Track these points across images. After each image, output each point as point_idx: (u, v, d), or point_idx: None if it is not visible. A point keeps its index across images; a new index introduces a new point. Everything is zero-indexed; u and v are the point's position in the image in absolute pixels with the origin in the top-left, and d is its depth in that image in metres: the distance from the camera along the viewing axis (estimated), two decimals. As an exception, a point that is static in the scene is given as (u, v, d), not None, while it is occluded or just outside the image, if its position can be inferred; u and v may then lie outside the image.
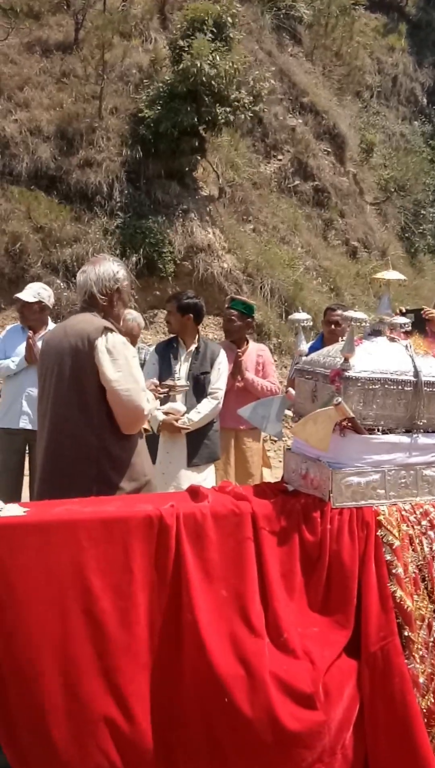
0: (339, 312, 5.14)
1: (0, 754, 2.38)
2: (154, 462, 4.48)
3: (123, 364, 3.01)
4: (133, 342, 5.36)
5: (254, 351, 5.23)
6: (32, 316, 5.08)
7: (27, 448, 5.07)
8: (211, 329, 10.42)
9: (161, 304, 10.88)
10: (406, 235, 18.52)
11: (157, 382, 3.85)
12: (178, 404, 4.52)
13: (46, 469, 3.12)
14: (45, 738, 2.35)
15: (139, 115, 11.71)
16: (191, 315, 4.70)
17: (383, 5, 22.58)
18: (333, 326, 5.09)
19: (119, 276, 3.18)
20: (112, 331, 3.05)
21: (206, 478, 4.57)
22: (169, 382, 4.28)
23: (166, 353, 4.74)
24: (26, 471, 5.16)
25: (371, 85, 20.51)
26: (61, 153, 11.67)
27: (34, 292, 5.06)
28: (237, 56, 11.79)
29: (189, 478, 4.43)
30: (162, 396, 3.92)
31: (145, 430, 3.37)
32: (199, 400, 4.55)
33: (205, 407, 4.53)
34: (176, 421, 4.45)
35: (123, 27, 13.34)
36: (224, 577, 2.60)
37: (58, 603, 2.43)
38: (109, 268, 3.16)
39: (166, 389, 3.98)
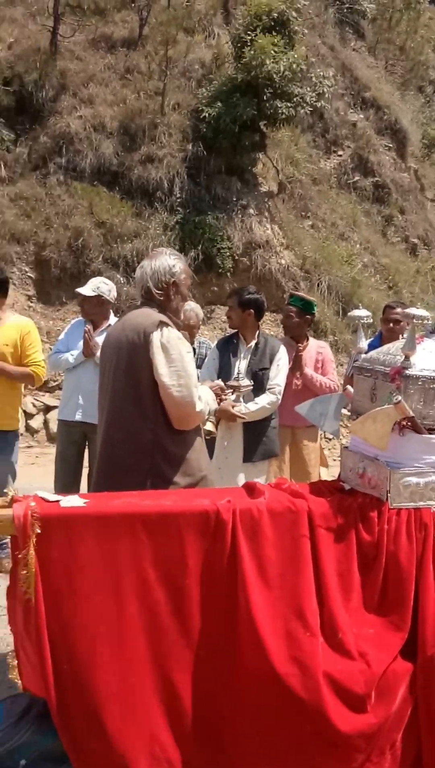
0: (399, 310, 5.06)
1: (56, 741, 2.42)
2: (211, 457, 4.47)
3: (176, 359, 3.00)
4: (192, 334, 5.36)
5: (314, 348, 5.18)
6: (92, 309, 5.12)
7: (86, 440, 5.13)
8: (267, 326, 10.38)
9: (219, 300, 10.92)
10: (468, 232, 18.12)
11: (223, 384, 3.79)
12: (245, 379, 4.44)
13: (103, 462, 3.14)
14: (99, 726, 2.38)
15: (201, 110, 11.73)
16: (252, 310, 4.67)
17: (449, -2, 22.09)
18: (392, 324, 5.01)
19: (175, 270, 3.16)
20: (167, 325, 3.05)
21: (262, 474, 4.55)
22: (233, 382, 4.25)
23: (226, 349, 4.72)
24: (85, 463, 5.22)
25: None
26: (124, 149, 11.78)
27: (93, 286, 5.10)
28: (299, 51, 11.71)
29: (245, 473, 4.41)
30: (226, 397, 3.93)
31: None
32: (257, 396, 4.53)
33: (263, 400, 4.51)
34: (232, 407, 4.39)
35: (187, 23, 13.38)
36: (279, 574, 2.59)
37: (115, 593, 2.46)
38: (165, 262, 3.16)
39: (231, 390, 3.94)
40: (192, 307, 5.41)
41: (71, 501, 2.58)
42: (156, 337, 3.00)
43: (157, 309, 3.13)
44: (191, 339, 5.25)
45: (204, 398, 3.17)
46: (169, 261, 3.17)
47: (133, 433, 3.03)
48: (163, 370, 2.98)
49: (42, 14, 13.07)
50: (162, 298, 3.15)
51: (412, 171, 16.70)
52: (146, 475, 3.00)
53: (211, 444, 4.47)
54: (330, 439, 9.09)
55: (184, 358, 3.03)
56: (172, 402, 2.99)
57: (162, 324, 3.03)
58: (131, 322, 3.12)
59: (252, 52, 11.06)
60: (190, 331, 5.24)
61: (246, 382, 4.35)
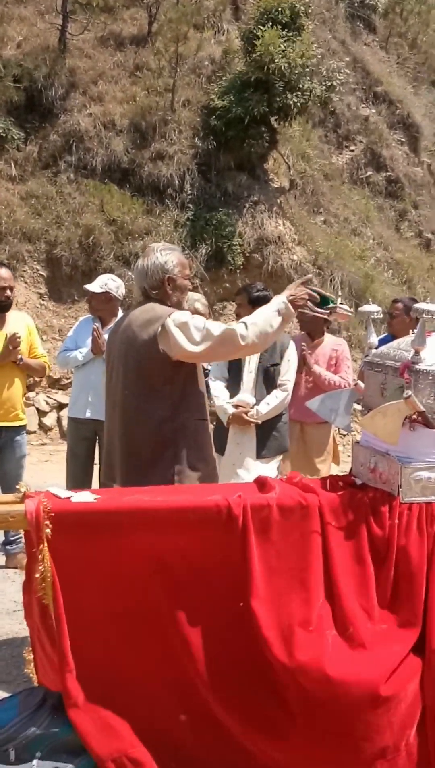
0: (399, 304, 5.08)
1: (71, 734, 2.45)
2: (223, 453, 4.52)
3: (195, 328, 3.02)
4: None
5: (330, 345, 5.19)
6: (100, 306, 5.17)
7: (96, 437, 5.17)
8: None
9: (230, 297, 10.92)
10: None
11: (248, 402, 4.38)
12: (248, 396, 4.54)
13: (126, 458, 3.16)
14: (113, 717, 2.42)
15: (211, 105, 11.74)
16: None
17: (461, -10, 21.97)
18: (390, 317, 5.04)
19: (168, 265, 3.17)
20: (173, 311, 3.09)
21: (274, 469, 4.57)
22: (239, 402, 4.49)
23: None
24: (96, 459, 5.26)
25: (448, 74, 20.01)
26: (134, 146, 11.81)
27: (101, 282, 5.14)
28: (308, 45, 11.69)
29: (257, 469, 4.45)
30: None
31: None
32: (268, 392, 4.56)
33: (274, 399, 4.54)
34: (246, 413, 4.47)
35: (196, 19, 13.37)
36: (289, 568, 2.61)
37: (127, 589, 2.49)
38: (156, 260, 3.17)
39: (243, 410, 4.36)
40: (196, 298, 5.42)
41: (83, 497, 2.61)
42: (170, 324, 3.02)
43: (159, 304, 3.17)
44: None
45: (251, 320, 3.10)
46: (160, 258, 3.18)
47: (153, 425, 3.07)
48: (190, 348, 3.01)
49: (51, 12, 13.10)
50: (159, 296, 3.18)
51: (425, 165, 16.62)
52: (171, 463, 3.06)
53: (223, 440, 4.52)
54: (344, 435, 9.09)
55: (202, 323, 3.05)
56: (218, 357, 3.25)
57: (168, 312, 3.07)
58: (137, 318, 3.15)
59: (261, 48, 11.05)
60: None
61: (248, 398, 4.59)
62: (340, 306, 3.64)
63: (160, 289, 3.17)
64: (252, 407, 4.50)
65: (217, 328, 3.06)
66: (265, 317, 3.10)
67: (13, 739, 2.50)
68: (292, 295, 3.17)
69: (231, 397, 4.58)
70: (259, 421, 4.51)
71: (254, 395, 4.55)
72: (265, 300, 4.69)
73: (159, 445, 3.08)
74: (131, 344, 3.11)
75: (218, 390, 4.62)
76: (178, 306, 3.22)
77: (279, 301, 3.15)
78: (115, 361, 3.22)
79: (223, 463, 4.49)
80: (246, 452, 4.56)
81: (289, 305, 3.14)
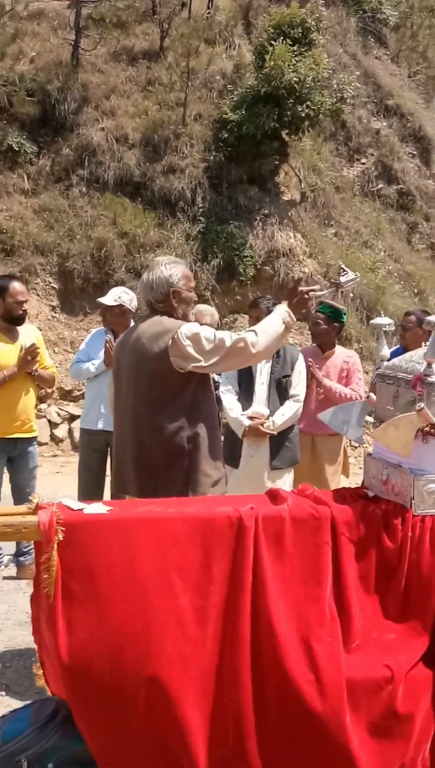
0: (412, 317, 5.08)
1: (83, 745, 2.45)
2: (237, 466, 4.53)
3: (208, 337, 3.05)
4: None
5: (341, 357, 5.19)
6: (113, 319, 5.20)
7: (108, 448, 5.19)
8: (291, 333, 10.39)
9: (241, 309, 10.96)
10: None
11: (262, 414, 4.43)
12: (262, 407, 4.55)
13: (142, 469, 3.17)
14: (120, 728, 2.41)
15: (224, 118, 11.82)
16: None
17: (472, 4, 22.08)
18: (402, 330, 5.05)
19: (172, 279, 3.19)
20: (181, 324, 3.11)
21: (287, 481, 4.58)
22: (254, 414, 4.53)
23: None
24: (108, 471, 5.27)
25: (459, 87, 20.07)
26: (146, 160, 11.90)
27: (115, 295, 5.18)
28: (318, 56, 11.76)
29: (271, 480, 4.45)
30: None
31: None
32: (281, 403, 4.57)
33: (289, 410, 4.56)
34: (262, 425, 4.48)
35: (207, 34, 13.49)
36: (301, 580, 2.60)
37: (140, 600, 2.49)
38: (161, 273, 3.19)
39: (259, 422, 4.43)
40: (202, 309, 5.42)
41: (95, 508, 2.62)
42: (180, 336, 3.05)
43: (166, 317, 3.19)
44: None
45: (260, 328, 3.13)
46: (165, 271, 3.20)
47: (166, 435, 3.09)
48: (202, 359, 3.04)
49: (64, 28, 13.27)
50: (166, 309, 3.20)
51: (436, 178, 16.64)
52: (185, 471, 3.09)
53: (236, 452, 4.53)
54: (355, 447, 9.07)
55: (212, 334, 3.08)
56: (231, 367, 3.29)
57: (178, 325, 3.09)
58: (146, 331, 3.16)
59: (272, 63, 11.13)
60: None
61: (263, 410, 4.63)
62: (343, 276, 3.42)
63: (165, 302, 3.20)
64: (266, 419, 4.51)
65: (227, 338, 3.08)
66: (272, 326, 3.13)
67: (26, 749, 2.51)
68: (295, 299, 3.18)
69: (244, 409, 4.59)
70: (275, 433, 4.52)
71: (268, 407, 4.57)
72: None
73: (172, 454, 3.10)
74: (142, 357, 3.13)
75: (231, 402, 4.63)
76: (185, 318, 3.24)
77: (282, 310, 3.18)
78: (125, 373, 3.23)
79: (238, 475, 4.49)
80: (260, 464, 4.57)
81: (292, 314, 3.17)
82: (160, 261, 3.28)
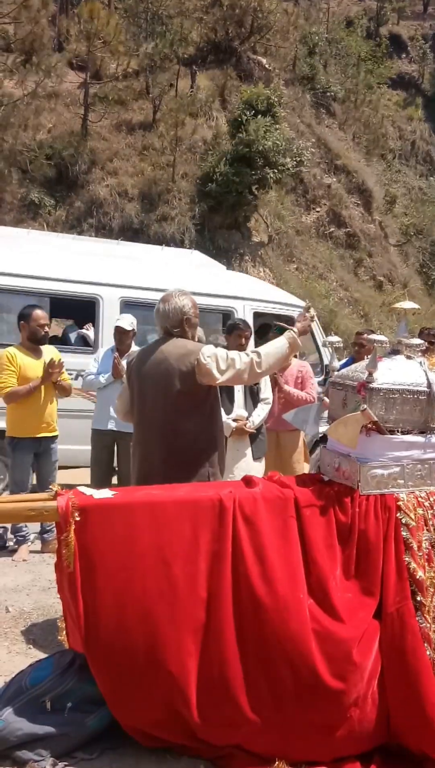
0: (365, 336, 5.10)
1: (95, 687, 2.44)
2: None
3: (222, 357, 3.01)
4: None
5: (296, 367, 5.21)
6: (127, 341, 5.22)
7: (115, 445, 5.18)
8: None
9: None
10: (425, 270, 18.21)
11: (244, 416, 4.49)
12: (243, 410, 4.58)
13: (170, 468, 3.06)
14: (126, 677, 2.41)
15: (209, 176, 11.86)
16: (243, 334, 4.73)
17: (403, 83, 22.43)
18: (357, 347, 5.07)
19: (185, 309, 3.14)
20: (199, 347, 3.08)
21: (260, 470, 4.59)
22: (238, 417, 4.53)
23: None
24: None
25: (393, 149, 20.33)
26: (143, 210, 11.93)
27: (128, 322, 5.21)
28: (283, 130, 11.88)
29: (250, 470, 4.46)
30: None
31: None
32: (254, 406, 4.61)
33: (262, 411, 4.63)
34: (245, 425, 4.51)
35: (191, 108, 13.57)
36: (274, 548, 2.61)
37: (140, 568, 2.48)
38: (176, 304, 3.13)
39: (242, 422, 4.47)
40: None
41: (103, 493, 2.62)
42: (202, 356, 2.99)
43: (183, 339, 3.15)
44: None
45: (264, 350, 3.09)
46: (179, 302, 3.14)
47: (195, 440, 3.05)
48: (218, 375, 2.99)
49: (75, 104, 13.29)
50: (180, 333, 3.15)
51: (377, 222, 16.81)
52: (207, 467, 3.06)
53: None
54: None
55: (225, 354, 3.03)
56: (241, 382, 3.18)
57: (199, 347, 3.05)
58: (171, 353, 3.07)
59: (244, 133, 11.22)
60: None
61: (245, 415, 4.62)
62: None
63: (180, 327, 3.13)
64: (247, 419, 4.54)
65: (239, 359, 3.04)
66: (274, 348, 3.10)
67: (49, 692, 2.50)
68: (301, 325, 3.20)
69: (226, 412, 4.60)
70: (255, 430, 4.55)
71: (245, 409, 4.60)
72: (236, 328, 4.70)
73: (197, 454, 3.05)
74: (170, 374, 3.03)
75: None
76: (194, 339, 3.21)
77: (289, 333, 3.15)
78: (150, 388, 3.11)
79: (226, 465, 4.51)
80: (241, 455, 4.59)
81: (297, 337, 3.15)
82: (173, 293, 3.19)
